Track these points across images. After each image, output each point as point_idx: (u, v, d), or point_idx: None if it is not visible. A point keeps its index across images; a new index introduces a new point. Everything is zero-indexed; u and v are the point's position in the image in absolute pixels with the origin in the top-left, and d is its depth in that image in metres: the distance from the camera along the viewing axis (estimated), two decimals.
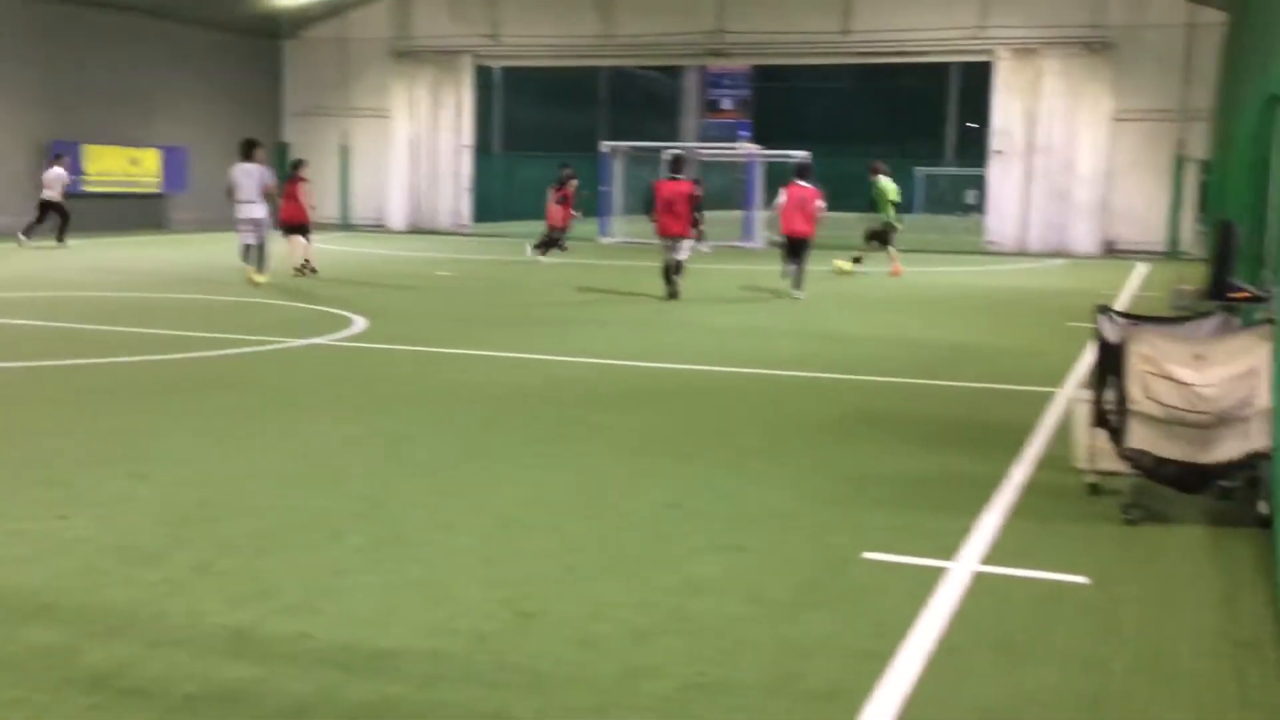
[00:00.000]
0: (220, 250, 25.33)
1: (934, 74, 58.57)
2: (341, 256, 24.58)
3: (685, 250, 17.43)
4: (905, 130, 65.38)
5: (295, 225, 19.82)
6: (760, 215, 30.91)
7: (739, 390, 10.05)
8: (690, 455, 7.48)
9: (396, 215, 34.42)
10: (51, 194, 25.20)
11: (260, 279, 17.58)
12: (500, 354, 11.61)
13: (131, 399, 8.98)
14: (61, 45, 28.60)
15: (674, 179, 17.51)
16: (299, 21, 34.75)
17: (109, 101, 30.06)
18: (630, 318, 15.07)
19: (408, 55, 33.94)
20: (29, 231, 24.78)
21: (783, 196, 18.67)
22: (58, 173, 25.44)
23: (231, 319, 13.95)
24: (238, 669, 4.12)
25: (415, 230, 34.03)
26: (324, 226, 33.73)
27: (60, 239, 24.97)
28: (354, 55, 34.75)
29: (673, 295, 17.09)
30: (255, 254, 17.82)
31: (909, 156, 63.35)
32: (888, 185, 21.97)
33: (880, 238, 22.32)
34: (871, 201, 22.35)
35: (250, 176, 18.03)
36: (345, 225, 34.64)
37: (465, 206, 34.36)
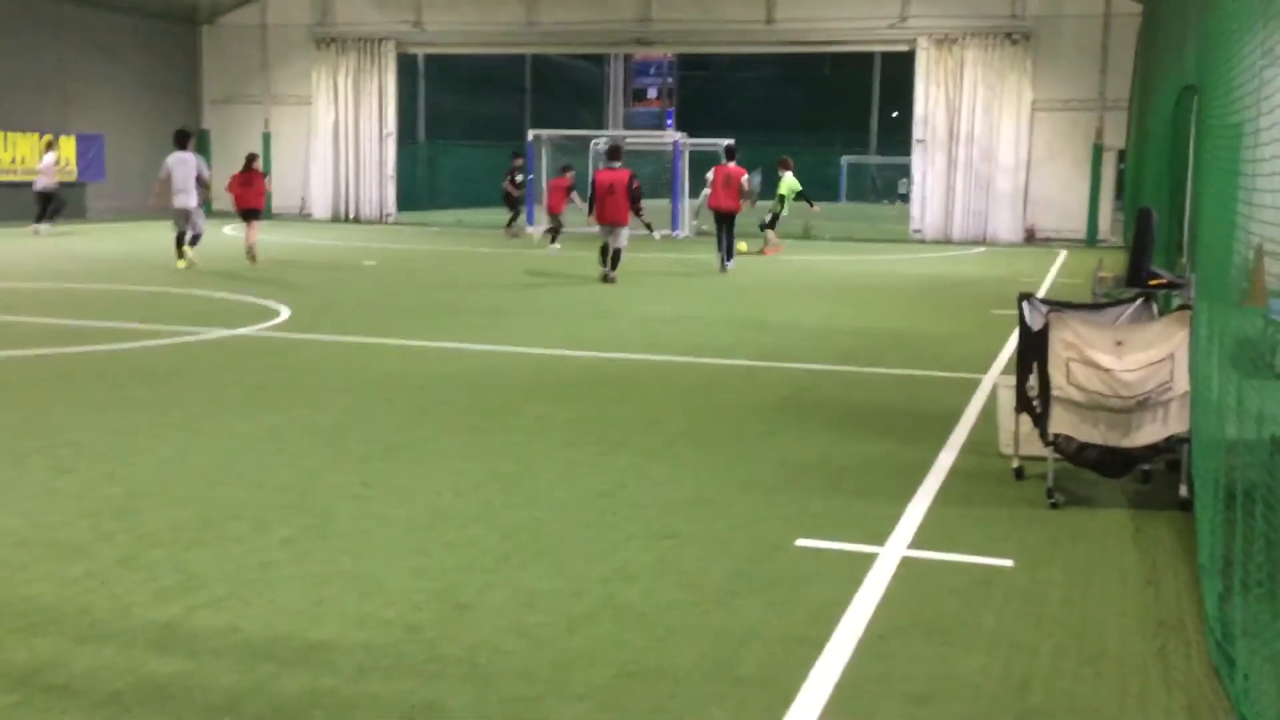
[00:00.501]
0: (140, 239, 24.86)
1: (858, 63, 59.01)
2: (266, 245, 24.19)
3: (624, 238, 17.97)
4: (830, 119, 65.84)
5: (250, 211, 20.27)
6: (687, 205, 30.96)
7: (670, 379, 10.08)
8: (621, 444, 7.49)
9: (320, 203, 33.99)
10: (43, 183, 25.94)
11: (181, 264, 18.13)
12: (430, 344, 11.52)
13: (51, 391, 8.78)
14: None
15: (611, 167, 18.00)
16: (216, 7, 34.14)
17: (23, 88, 29.32)
18: (560, 307, 15.04)
19: (329, 42, 33.49)
20: (42, 220, 25.71)
21: (711, 175, 21.13)
22: (50, 159, 26.28)
23: (152, 309, 13.69)
24: (166, 663, 4.05)
25: (339, 219, 33.64)
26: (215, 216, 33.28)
27: (40, 222, 25.73)
28: (274, 41, 34.22)
29: (607, 279, 17.65)
30: (182, 240, 18.37)
31: (834, 145, 63.91)
32: (791, 181, 24.85)
33: (771, 224, 25.10)
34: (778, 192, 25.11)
35: (185, 165, 18.40)
36: (268, 214, 34.07)
37: (389, 195, 34.02)
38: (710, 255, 21.03)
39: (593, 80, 63.06)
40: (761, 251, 24.33)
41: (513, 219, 28.69)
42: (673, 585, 4.97)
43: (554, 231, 25.43)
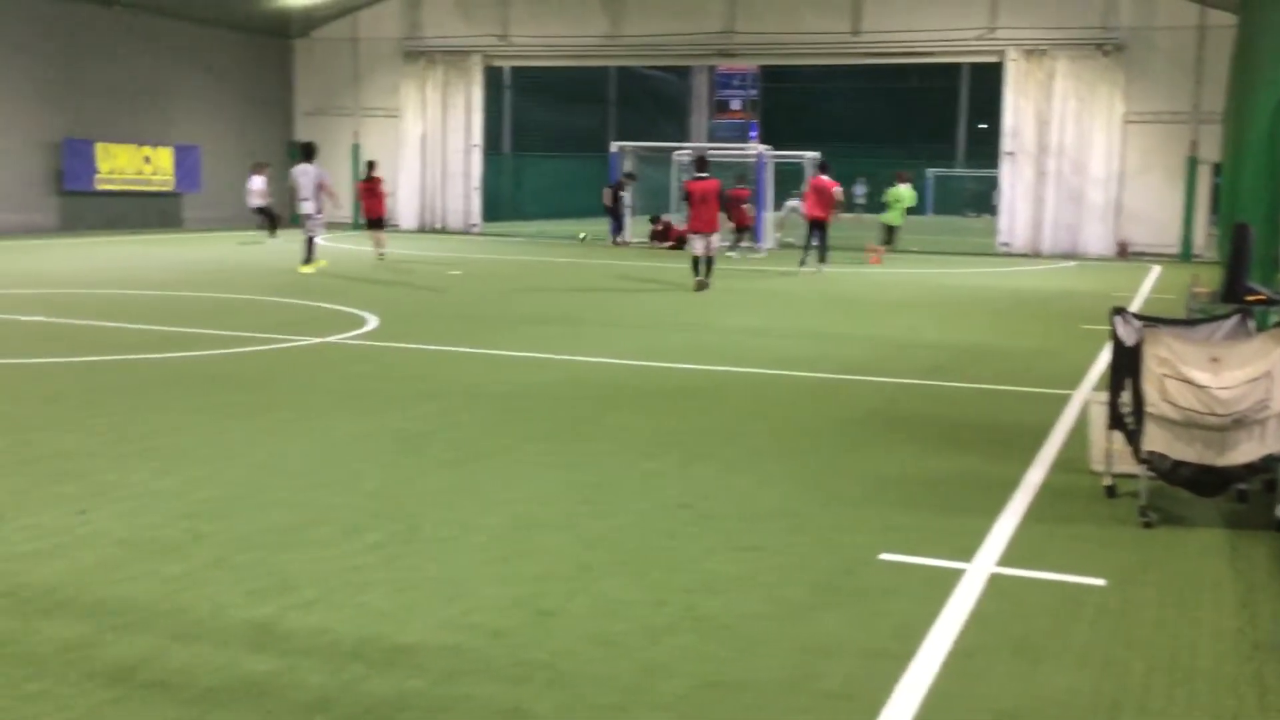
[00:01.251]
0: (234, 248, 25.41)
1: (944, 74, 58.49)
2: (354, 255, 24.63)
3: (716, 244, 18.79)
4: (915, 131, 65.31)
5: (374, 220, 23.10)
6: (770, 217, 30.89)
7: (752, 391, 10.06)
8: (703, 455, 7.50)
9: (407, 214, 34.46)
10: (259, 201, 28.17)
11: (307, 269, 19.26)
12: (513, 353, 11.63)
13: (150, 396, 9.01)
14: (77, 44, 28.70)
15: (700, 178, 18.63)
16: (309, 21, 34.81)
17: (123, 100, 30.15)
18: (644, 318, 15.09)
19: (418, 55, 33.98)
20: (271, 229, 27.98)
21: (806, 186, 23.90)
22: (259, 181, 28.28)
23: (247, 317, 13.99)
24: (259, 662, 4.14)
25: (425, 230, 34.08)
26: (337, 226, 33.85)
27: (272, 232, 27.97)
28: (364, 55, 34.80)
29: (702, 287, 18.18)
30: (304, 247, 19.63)
31: (919, 157, 63.34)
32: (907, 193, 25.49)
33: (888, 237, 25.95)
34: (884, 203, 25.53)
35: (305, 175, 19.66)
36: (357, 224, 34.66)
37: (475, 206, 34.39)
38: (789, 280, 21.04)
39: (676, 92, 63.19)
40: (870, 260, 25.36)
41: (617, 229, 30.71)
42: (755, 597, 4.96)
43: (737, 240, 26.97)
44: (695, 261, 18.45)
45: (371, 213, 23.25)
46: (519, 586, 5.00)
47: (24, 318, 13.21)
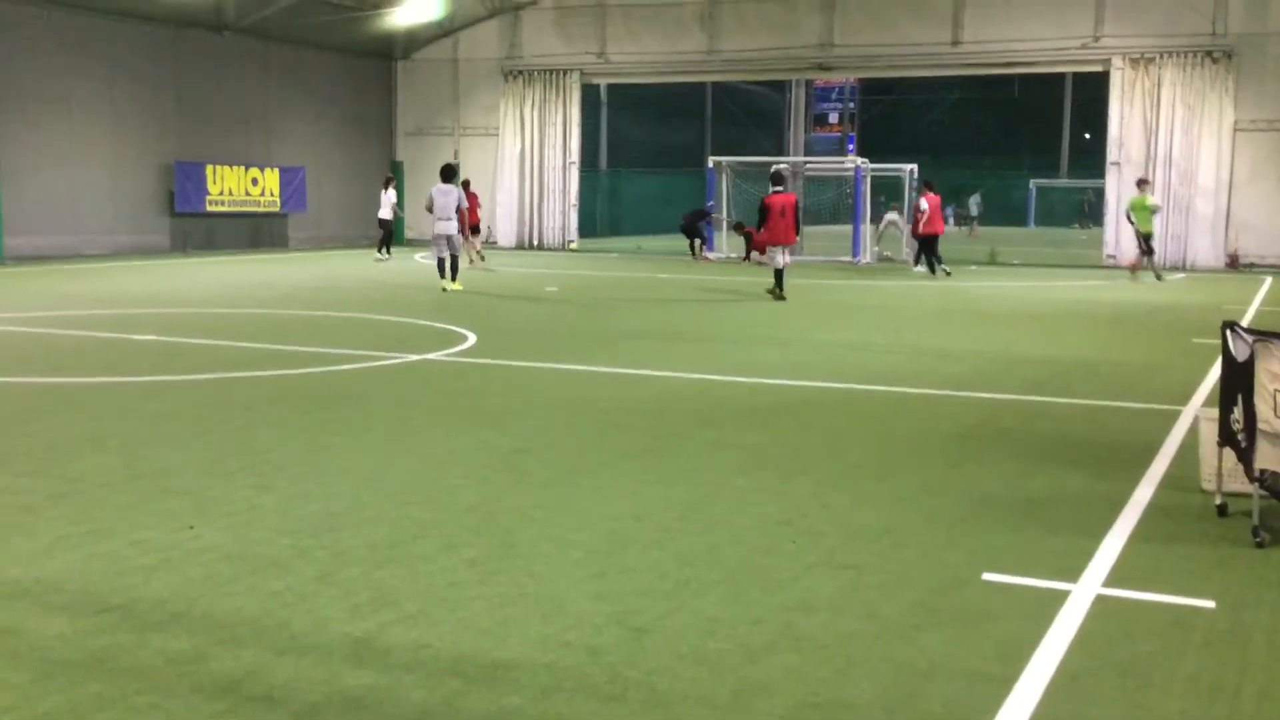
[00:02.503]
0: (338, 267, 25.93)
1: (1048, 84, 57.53)
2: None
3: (789, 256, 19.54)
4: (1018, 141, 64.35)
5: (473, 227, 24.98)
6: (868, 230, 30.64)
7: (849, 406, 9.97)
8: (800, 472, 7.44)
9: (505, 231, 34.85)
10: (384, 213, 29.30)
11: (454, 286, 19.84)
12: (608, 369, 11.67)
13: (254, 413, 9.21)
14: (188, 69, 29.57)
15: (780, 191, 19.25)
16: (412, 43, 35.44)
17: (232, 123, 30.99)
18: (737, 333, 15.05)
19: (517, 74, 34.38)
20: (386, 246, 29.33)
21: (924, 203, 25.13)
22: (390, 195, 29.49)
23: (349, 334, 14.24)
24: (360, 677, 4.19)
25: (523, 246, 34.42)
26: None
27: (383, 251, 29.10)
28: (464, 75, 35.32)
29: (780, 297, 18.87)
30: (449, 266, 20.00)
31: (1021, 168, 62.34)
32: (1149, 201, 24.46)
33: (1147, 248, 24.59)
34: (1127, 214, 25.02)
35: (448, 196, 20.19)
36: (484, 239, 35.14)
37: (572, 222, 34.66)
38: (887, 294, 20.82)
39: (773, 106, 63.04)
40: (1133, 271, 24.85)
41: (697, 245, 30.90)
42: (854, 616, 4.91)
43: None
44: (779, 274, 19.09)
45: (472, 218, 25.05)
46: (615, 603, 5.01)
47: (136, 336, 13.61)
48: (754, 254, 27.96)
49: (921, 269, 25.83)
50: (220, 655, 4.36)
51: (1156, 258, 24.90)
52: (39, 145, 26.18)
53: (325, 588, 5.13)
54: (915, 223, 26.53)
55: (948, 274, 24.95)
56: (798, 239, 20.33)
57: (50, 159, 26.46)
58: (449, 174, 20.75)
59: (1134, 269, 24.66)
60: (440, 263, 20.13)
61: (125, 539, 5.78)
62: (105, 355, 12.38)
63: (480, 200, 26.84)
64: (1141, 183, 25.23)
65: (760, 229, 19.74)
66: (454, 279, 20.05)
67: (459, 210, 20.30)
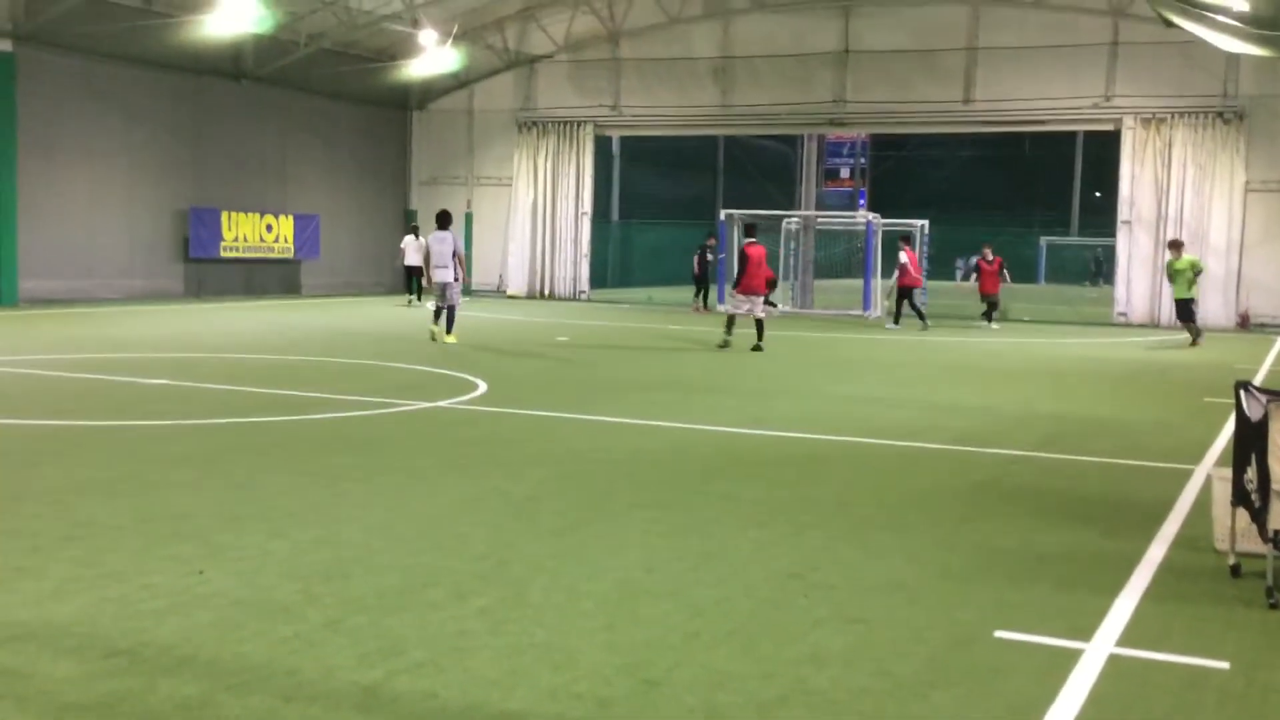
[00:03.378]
0: (351, 314, 26.03)
1: (1059, 142, 57.81)
2: (464, 321, 25.03)
3: (761, 307, 19.77)
4: (1028, 199, 64.56)
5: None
6: (879, 285, 30.69)
7: (861, 460, 9.95)
8: (812, 525, 7.42)
9: (516, 280, 34.99)
10: (411, 260, 30.13)
11: (450, 339, 19.16)
12: (620, 420, 11.67)
13: (266, 458, 9.22)
14: (205, 116, 29.86)
15: (754, 242, 19.73)
16: (428, 94, 35.78)
17: (247, 170, 31.24)
18: (748, 385, 15.05)
19: (531, 125, 34.67)
20: (416, 292, 30.77)
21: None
22: (413, 240, 30.23)
23: (360, 381, 14.28)
24: None
25: (534, 296, 34.54)
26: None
27: (412, 296, 30.74)
28: (479, 125, 35.61)
29: (726, 346, 19.32)
30: (445, 315, 19.38)
31: (1032, 225, 62.53)
32: (1188, 260, 23.01)
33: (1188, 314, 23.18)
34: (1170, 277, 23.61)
35: (443, 244, 19.50)
36: (467, 290, 35.30)
37: (584, 272, 34.79)
38: (900, 348, 20.83)
39: (785, 160, 63.33)
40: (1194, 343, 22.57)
41: (701, 295, 30.87)
42: (865, 672, 4.87)
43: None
44: (730, 321, 19.64)
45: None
46: (625, 655, 4.98)
47: (149, 381, 13.65)
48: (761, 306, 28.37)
49: (894, 327, 26.08)
50: (229, 701, 4.34)
51: (1199, 320, 23.45)
52: (57, 189, 26.41)
53: (334, 635, 5.12)
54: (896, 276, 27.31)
55: (924, 326, 25.61)
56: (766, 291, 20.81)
57: (67, 203, 26.68)
58: (444, 221, 20.02)
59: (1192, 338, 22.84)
60: (437, 312, 19.53)
61: (135, 583, 5.77)
62: (118, 399, 12.41)
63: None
64: (1174, 245, 23.66)
65: (740, 278, 19.70)
66: (449, 331, 19.38)
67: (456, 256, 19.60)
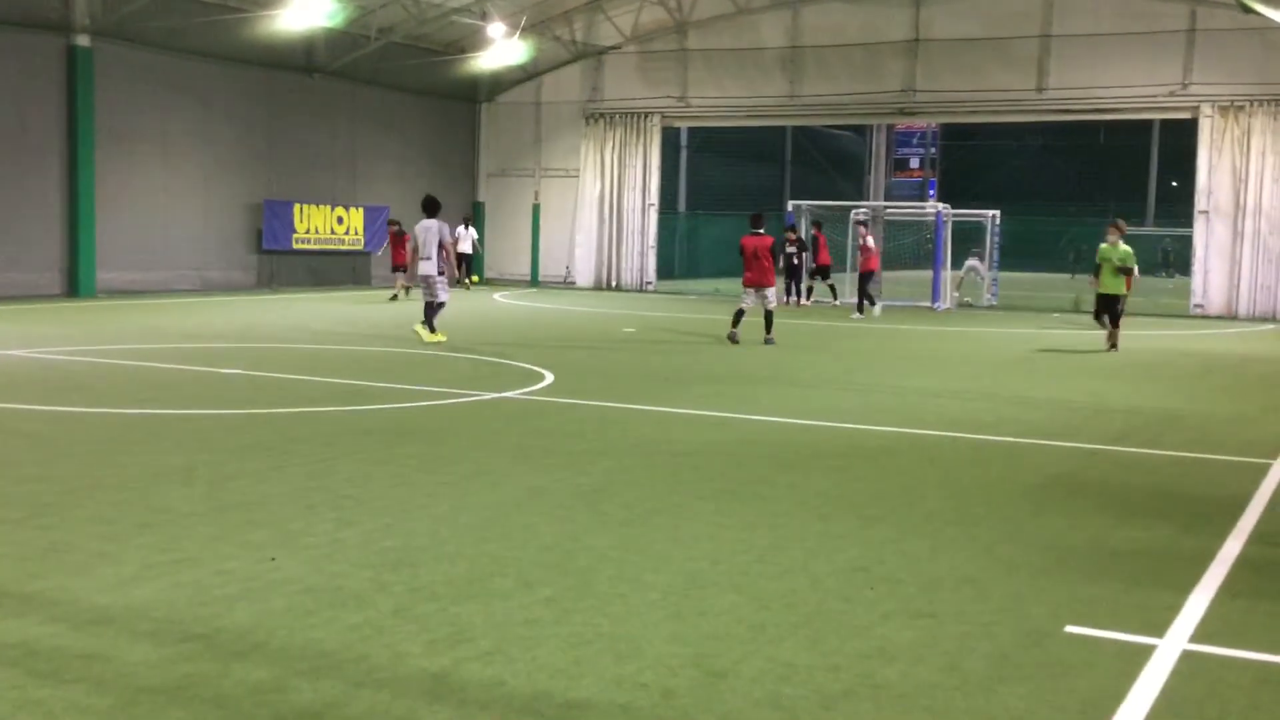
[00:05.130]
0: (417, 306, 26.28)
1: (1134, 131, 56.79)
2: (531, 313, 25.18)
3: (773, 299, 19.04)
4: (1102, 189, 63.52)
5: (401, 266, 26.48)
6: (949, 276, 30.40)
7: (929, 453, 9.86)
8: (879, 519, 7.37)
9: (583, 272, 35.10)
10: (464, 247, 31.29)
11: (432, 337, 17.44)
12: (686, 411, 11.67)
13: (336, 447, 9.34)
14: (278, 110, 30.27)
15: (756, 234, 18.84)
16: (496, 86, 35.98)
17: (319, 163, 31.63)
18: (815, 377, 14.98)
19: (598, 117, 34.73)
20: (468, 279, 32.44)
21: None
22: (461, 231, 31.51)
23: (429, 372, 14.41)
24: (437, 712, 4.22)
25: (601, 287, 34.63)
26: (514, 283, 34.75)
27: (465, 283, 32.03)
28: (547, 117, 35.75)
29: (768, 342, 18.55)
30: (425, 311, 17.70)
31: (1106, 216, 61.55)
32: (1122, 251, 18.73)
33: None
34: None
35: (428, 232, 17.83)
36: (534, 282, 35.50)
37: (650, 264, 34.81)
38: (968, 339, 20.56)
39: (854, 150, 62.95)
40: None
41: (792, 287, 29.89)
42: (933, 667, 4.84)
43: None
44: (738, 315, 18.88)
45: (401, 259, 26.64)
46: (691, 646, 4.99)
47: (223, 370, 13.88)
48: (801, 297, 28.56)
49: (859, 316, 25.87)
50: (300, 686, 4.41)
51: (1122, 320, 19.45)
52: (133, 182, 26.93)
53: (403, 622, 5.18)
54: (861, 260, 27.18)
55: (873, 314, 25.68)
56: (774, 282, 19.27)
57: (143, 196, 27.19)
58: (431, 208, 18.14)
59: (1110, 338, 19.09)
60: (427, 307, 17.78)
61: (210, 569, 5.88)
62: (193, 388, 12.64)
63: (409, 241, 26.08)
64: (1113, 227, 19.47)
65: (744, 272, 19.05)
66: (430, 327, 17.57)
67: (442, 248, 17.77)
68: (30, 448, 9.03)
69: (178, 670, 4.54)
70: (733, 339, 18.62)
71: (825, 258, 29.95)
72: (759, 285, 18.70)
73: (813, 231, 30.65)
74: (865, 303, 26.16)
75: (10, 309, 21.91)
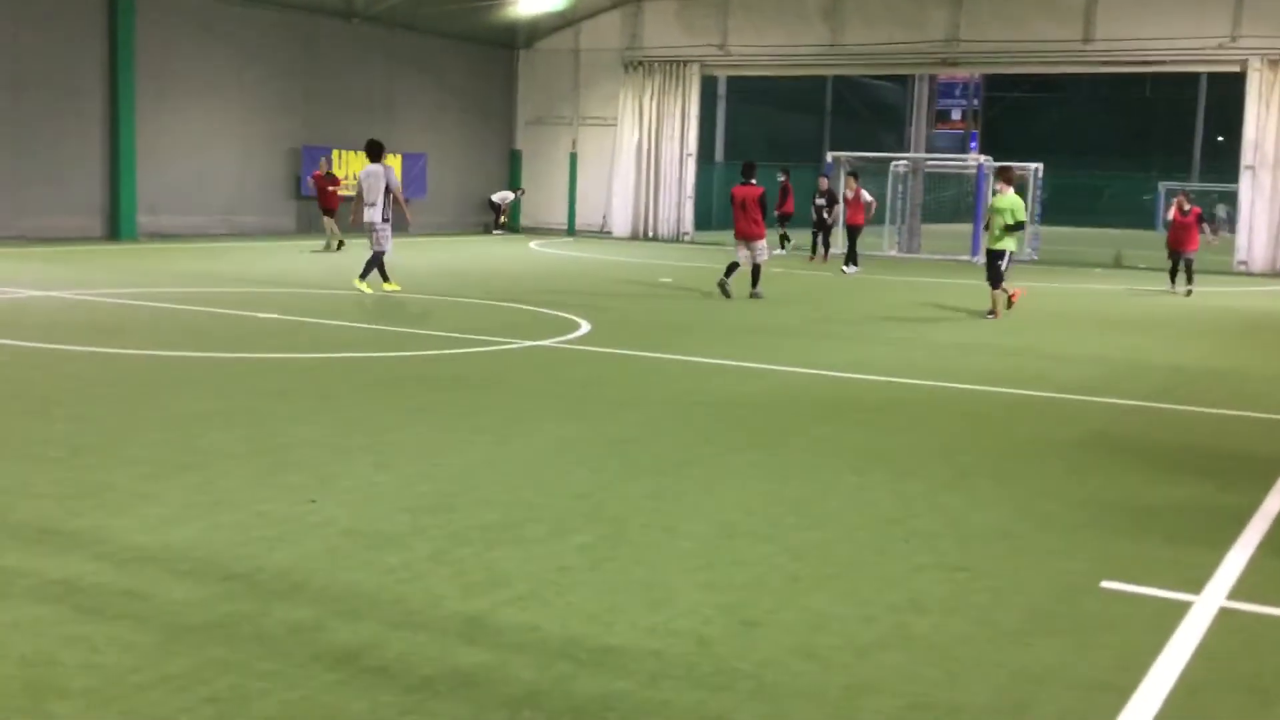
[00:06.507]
0: (456, 253, 26.32)
1: (1181, 84, 55.81)
2: (567, 261, 25.17)
3: (763, 252, 18.23)
4: (1148, 143, 62.60)
5: (329, 210, 25.21)
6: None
7: (966, 408, 9.81)
8: (913, 472, 7.35)
9: (620, 222, 34.98)
10: (497, 198, 33.50)
11: (367, 288, 16.54)
12: (721, 362, 11.65)
13: (372, 393, 9.40)
14: (315, 55, 30.19)
15: (747, 183, 18.10)
16: (534, 33, 35.74)
17: (357, 108, 31.55)
18: (850, 331, 14.91)
19: (637, 65, 34.47)
20: (498, 227, 33.94)
21: (1173, 213, 21.52)
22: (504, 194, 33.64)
23: (466, 319, 14.45)
24: (472, 654, 4.26)
25: (637, 237, 34.52)
26: (550, 231, 34.70)
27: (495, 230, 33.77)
28: (585, 65, 35.51)
29: (754, 295, 17.79)
30: (369, 263, 16.58)
31: (1151, 170, 60.70)
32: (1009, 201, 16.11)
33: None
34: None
35: (372, 177, 16.61)
36: (570, 230, 35.43)
37: (687, 214, 34.65)
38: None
39: (895, 101, 62.18)
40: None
41: (818, 241, 27.93)
42: (967, 619, 4.84)
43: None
44: (730, 268, 18.17)
45: (330, 203, 25.26)
46: (724, 594, 5.01)
47: (260, 315, 13.97)
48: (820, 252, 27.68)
49: (854, 269, 24.57)
50: (338, 627, 4.47)
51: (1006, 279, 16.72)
52: (172, 127, 26.98)
53: (439, 566, 5.22)
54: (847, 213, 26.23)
55: (849, 270, 24.39)
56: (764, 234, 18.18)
57: (182, 141, 27.25)
58: (374, 152, 16.81)
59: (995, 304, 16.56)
60: (373, 258, 16.56)
61: (249, 510, 5.95)
62: (231, 332, 12.74)
63: (341, 183, 26.08)
64: (1001, 172, 17.18)
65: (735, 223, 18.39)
66: (363, 277, 16.50)
67: (389, 193, 16.48)
68: (72, 388, 9.14)
69: (218, 609, 4.60)
70: (722, 288, 17.90)
71: (790, 207, 28.93)
72: (747, 237, 17.93)
73: (780, 179, 29.19)
74: (849, 261, 24.79)
75: (52, 251, 22.11)
